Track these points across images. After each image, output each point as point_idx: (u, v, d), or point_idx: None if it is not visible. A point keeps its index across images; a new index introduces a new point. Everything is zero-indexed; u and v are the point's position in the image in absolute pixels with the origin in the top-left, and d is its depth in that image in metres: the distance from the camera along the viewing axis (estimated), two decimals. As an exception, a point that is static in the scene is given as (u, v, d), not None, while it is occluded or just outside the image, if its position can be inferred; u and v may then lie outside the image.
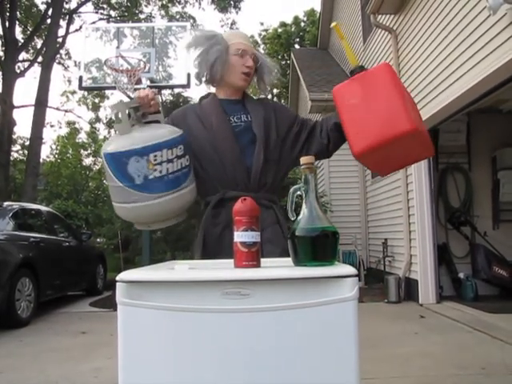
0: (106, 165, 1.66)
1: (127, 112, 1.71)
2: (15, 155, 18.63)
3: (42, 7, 16.18)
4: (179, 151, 1.71)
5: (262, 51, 25.23)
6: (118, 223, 12.03)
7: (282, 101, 23.64)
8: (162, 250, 9.74)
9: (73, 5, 16.68)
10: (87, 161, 22.19)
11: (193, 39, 1.91)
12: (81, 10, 16.69)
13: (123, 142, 1.66)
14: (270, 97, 25.12)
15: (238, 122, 1.89)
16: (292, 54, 12.82)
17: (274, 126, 1.91)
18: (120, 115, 1.68)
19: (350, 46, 1.87)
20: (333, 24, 1.76)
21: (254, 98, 2.05)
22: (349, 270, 1.03)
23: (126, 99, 1.89)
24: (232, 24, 18.30)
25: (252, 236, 1.10)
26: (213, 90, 2.00)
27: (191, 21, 16.62)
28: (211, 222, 1.83)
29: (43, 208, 8.08)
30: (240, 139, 1.85)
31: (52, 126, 24.01)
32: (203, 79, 1.94)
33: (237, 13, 17.76)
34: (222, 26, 19.48)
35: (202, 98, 2.00)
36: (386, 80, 1.64)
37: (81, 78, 8.33)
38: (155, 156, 1.63)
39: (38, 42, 16.26)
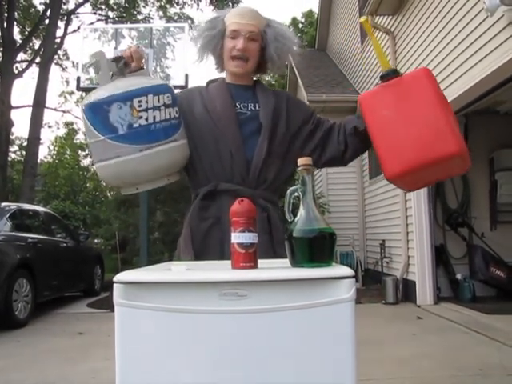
0: (86, 119, 1.50)
1: (107, 60, 1.57)
2: (13, 156, 18.63)
3: (40, 8, 16.19)
4: (167, 99, 1.54)
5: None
6: (115, 224, 12.01)
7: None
8: (160, 251, 9.72)
9: (71, 5, 16.64)
10: (85, 161, 22.15)
11: (197, 29, 1.78)
12: (79, 10, 16.72)
13: (103, 91, 1.50)
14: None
15: (244, 109, 1.70)
16: (290, 55, 12.81)
17: (285, 119, 1.71)
18: (100, 63, 1.55)
19: (381, 45, 1.68)
20: (362, 18, 1.54)
21: (269, 88, 1.87)
22: (346, 271, 1.03)
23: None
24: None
25: (249, 237, 1.09)
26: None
27: (189, 22, 16.63)
28: (198, 216, 1.65)
29: (41, 209, 8.07)
30: (244, 128, 1.67)
31: (50, 127, 24.08)
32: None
33: (235, 14, 17.75)
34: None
35: (209, 82, 1.82)
36: (427, 89, 1.43)
37: (79, 79, 8.33)
38: (140, 102, 1.47)
39: (36, 43, 16.25)
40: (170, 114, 1.53)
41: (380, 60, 1.54)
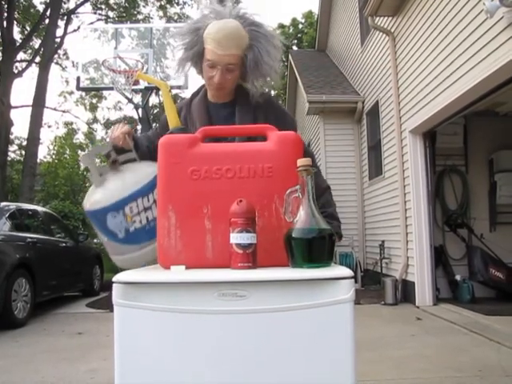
0: (91, 221, 1.64)
1: (95, 163, 1.68)
2: (12, 155, 18.63)
3: (41, 7, 16.20)
4: (156, 195, 1.57)
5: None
6: (115, 224, 11.94)
7: (280, 103, 23.62)
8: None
9: (71, 5, 16.66)
10: (84, 161, 22.14)
11: (177, 35, 1.68)
12: (79, 10, 16.76)
13: (97, 197, 1.61)
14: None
15: None
16: (290, 56, 12.84)
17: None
18: (89, 167, 1.65)
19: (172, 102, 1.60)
20: (136, 76, 1.62)
21: (250, 97, 1.69)
22: (345, 271, 1.03)
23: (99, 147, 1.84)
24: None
25: (247, 237, 1.09)
26: None
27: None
28: None
29: (40, 208, 8.06)
30: None
31: (49, 127, 24.07)
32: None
33: (235, 14, 17.78)
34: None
35: (193, 95, 1.77)
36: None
37: (78, 79, 8.35)
38: (131, 208, 1.58)
39: (36, 43, 16.26)
40: None
41: (168, 116, 1.56)
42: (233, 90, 1.70)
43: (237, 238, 1.09)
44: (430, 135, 6.45)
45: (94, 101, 22.04)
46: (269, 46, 1.63)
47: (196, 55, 1.62)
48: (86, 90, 12.15)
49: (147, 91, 7.87)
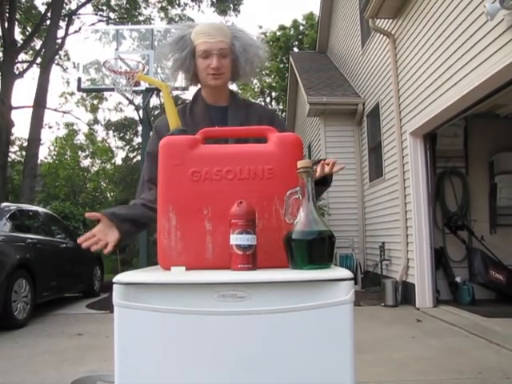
0: None
1: None
2: (13, 156, 18.63)
3: (42, 8, 16.21)
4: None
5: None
6: (115, 225, 11.91)
7: (281, 104, 23.64)
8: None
9: (72, 6, 16.65)
10: (85, 162, 22.22)
11: (164, 47, 1.81)
12: (80, 11, 16.73)
13: None
14: (268, 99, 24.91)
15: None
16: (291, 57, 12.85)
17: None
18: None
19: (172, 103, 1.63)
20: (137, 77, 1.62)
21: (242, 102, 1.86)
22: (344, 273, 1.03)
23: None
24: (231, 27, 18.37)
25: (247, 239, 1.10)
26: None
27: (190, 23, 16.65)
28: None
29: (40, 209, 8.07)
30: None
31: (50, 128, 24.00)
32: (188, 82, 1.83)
33: (236, 16, 17.91)
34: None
35: (193, 102, 1.84)
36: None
37: (79, 80, 8.35)
38: None
39: (37, 43, 16.26)
40: None
41: (169, 117, 1.57)
42: (228, 93, 1.84)
43: (237, 239, 1.10)
44: (430, 137, 6.46)
45: (95, 102, 22.04)
46: (248, 37, 1.80)
47: (189, 54, 1.73)
48: (87, 91, 12.14)
49: (148, 92, 7.87)
